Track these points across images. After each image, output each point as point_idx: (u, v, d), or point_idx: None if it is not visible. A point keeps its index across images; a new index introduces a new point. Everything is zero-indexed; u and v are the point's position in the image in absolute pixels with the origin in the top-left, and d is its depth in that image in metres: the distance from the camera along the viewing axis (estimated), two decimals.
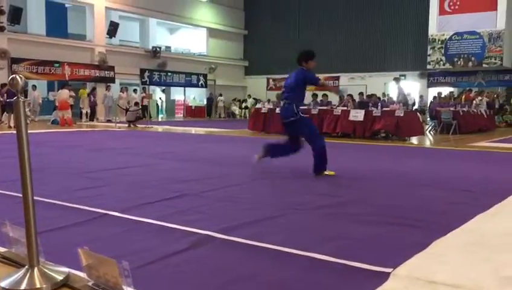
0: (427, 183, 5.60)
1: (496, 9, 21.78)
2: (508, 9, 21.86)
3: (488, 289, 2.36)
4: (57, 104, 17.89)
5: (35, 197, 2.43)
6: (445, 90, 22.55)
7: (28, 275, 2.36)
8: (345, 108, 13.55)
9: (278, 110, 14.32)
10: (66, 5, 24.66)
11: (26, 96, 16.85)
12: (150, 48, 25.91)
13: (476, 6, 22.22)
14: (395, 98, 15.59)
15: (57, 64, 20.74)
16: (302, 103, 6.85)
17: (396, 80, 16.21)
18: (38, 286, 2.31)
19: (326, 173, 5.99)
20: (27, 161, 2.35)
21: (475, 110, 16.76)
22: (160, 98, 28.30)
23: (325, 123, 13.21)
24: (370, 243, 3.15)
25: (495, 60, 22.17)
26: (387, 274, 2.52)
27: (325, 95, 16.26)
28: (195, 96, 30.04)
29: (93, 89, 21.79)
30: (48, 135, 12.56)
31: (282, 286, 2.41)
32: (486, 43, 22.14)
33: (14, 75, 2.34)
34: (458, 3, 22.68)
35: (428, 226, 3.53)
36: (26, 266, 2.40)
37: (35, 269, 2.38)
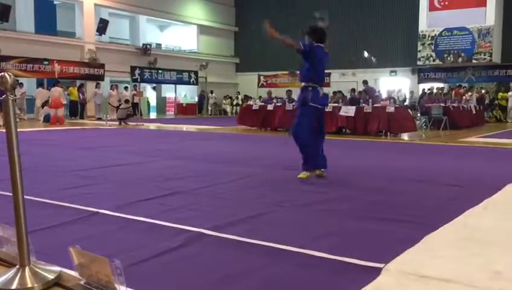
0: (418, 178, 5.63)
1: (485, 5, 21.95)
2: (497, 5, 22.04)
3: (478, 284, 2.37)
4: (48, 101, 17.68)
5: (25, 196, 2.41)
6: (435, 86, 22.62)
7: (19, 274, 2.34)
8: (336, 104, 13.58)
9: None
10: (55, 2, 24.42)
11: None
12: (140, 45, 25.79)
13: (466, 2, 22.37)
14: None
15: (46, 62, 20.54)
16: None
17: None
18: (29, 285, 2.29)
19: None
20: (17, 159, 2.34)
21: (465, 106, 16.88)
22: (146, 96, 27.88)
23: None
24: (361, 238, 3.16)
25: (484, 55, 22.35)
26: (379, 269, 2.53)
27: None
28: (187, 93, 29.94)
29: (81, 85, 21.59)
30: (38, 133, 12.47)
31: (276, 282, 2.42)
32: (476, 39, 22.30)
33: (3, 73, 2.32)
34: None
35: (419, 221, 3.55)
36: (17, 266, 2.38)
37: (26, 269, 2.36)
